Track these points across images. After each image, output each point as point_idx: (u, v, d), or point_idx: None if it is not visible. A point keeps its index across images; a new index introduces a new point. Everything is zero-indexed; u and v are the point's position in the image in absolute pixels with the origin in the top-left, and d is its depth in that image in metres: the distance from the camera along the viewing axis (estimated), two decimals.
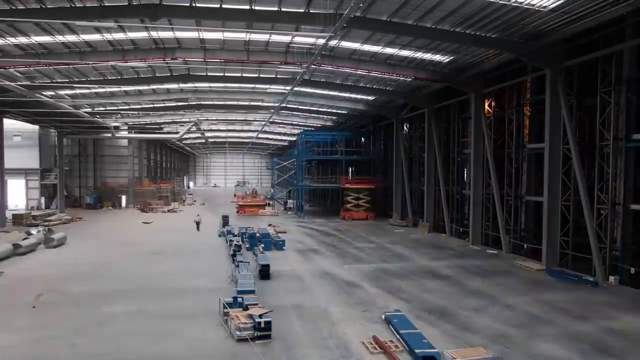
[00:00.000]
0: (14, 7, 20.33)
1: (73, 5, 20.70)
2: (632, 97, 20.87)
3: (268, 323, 13.66)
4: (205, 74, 36.81)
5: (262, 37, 27.19)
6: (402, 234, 37.64)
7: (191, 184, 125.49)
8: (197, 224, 38.54)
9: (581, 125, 25.15)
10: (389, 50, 27.98)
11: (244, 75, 37.31)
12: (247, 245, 29.06)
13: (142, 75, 35.54)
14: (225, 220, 40.16)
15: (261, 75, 37.35)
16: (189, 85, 40.44)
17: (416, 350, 12.18)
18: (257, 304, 15.53)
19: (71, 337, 14.05)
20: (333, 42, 26.21)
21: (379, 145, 53.85)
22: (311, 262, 25.80)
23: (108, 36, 25.86)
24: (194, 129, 60.85)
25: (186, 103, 48.86)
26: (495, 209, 29.86)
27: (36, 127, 52.56)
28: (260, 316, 13.79)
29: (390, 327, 14.56)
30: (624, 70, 20.79)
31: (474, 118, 31.40)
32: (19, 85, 30.17)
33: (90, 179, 63.05)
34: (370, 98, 42.63)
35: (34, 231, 32.50)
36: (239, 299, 15.95)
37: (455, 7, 20.34)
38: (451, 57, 28.07)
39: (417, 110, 40.88)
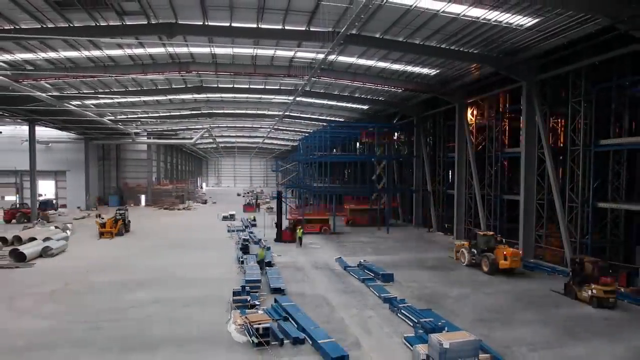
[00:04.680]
0: (45, 26, 20.40)
1: (98, 24, 20.74)
2: (599, 107, 21.02)
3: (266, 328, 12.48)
4: (216, 85, 36.84)
5: (268, 52, 27.22)
6: (393, 229, 37.65)
7: (204, 184, 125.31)
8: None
9: (554, 132, 25.25)
10: (382, 64, 28.03)
11: (251, 86, 37.35)
12: (255, 240, 29.10)
13: (159, 87, 35.60)
14: (232, 216, 41.95)
15: (267, 87, 37.38)
16: (202, 95, 40.44)
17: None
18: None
19: (99, 321, 14.10)
20: (331, 57, 26.28)
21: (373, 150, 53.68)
22: (311, 254, 25.83)
23: (129, 51, 25.90)
24: (206, 135, 60.75)
25: (199, 112, 48.89)
26: (477, 206, 29.91)
27: (64, 133, 52.54)
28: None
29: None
30: (591, 83, 20.93)
31: (458, 125, 31.46)
32: (49, 95, 30.20)
33: (112, 180, 63.03)
34: (364, 107, 42.65)
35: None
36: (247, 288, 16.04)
37: (441, 26, 20.40)
38: (437, 71, 28.12)
39: (407, 118, 40.93)
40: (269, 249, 25.53)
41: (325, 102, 41.77)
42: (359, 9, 15.28)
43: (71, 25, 20.60)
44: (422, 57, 25.48)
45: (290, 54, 27.37)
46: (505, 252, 20.94)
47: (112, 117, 45.60)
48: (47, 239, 26.47)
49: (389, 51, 24.79)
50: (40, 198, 43.23)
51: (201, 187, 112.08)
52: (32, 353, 11.85)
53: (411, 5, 18.33)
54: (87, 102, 37.74)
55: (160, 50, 26.27)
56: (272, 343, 12.18)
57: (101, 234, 31.09)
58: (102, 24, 20.76)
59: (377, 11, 19.14)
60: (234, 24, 21.69)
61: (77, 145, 54.59)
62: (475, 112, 31.67)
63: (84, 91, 33.78)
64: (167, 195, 62.57)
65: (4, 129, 52.09)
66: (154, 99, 39.86)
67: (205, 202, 69.07)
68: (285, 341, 12.43)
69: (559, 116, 24.86)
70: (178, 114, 49.27)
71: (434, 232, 35.32)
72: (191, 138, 61.52)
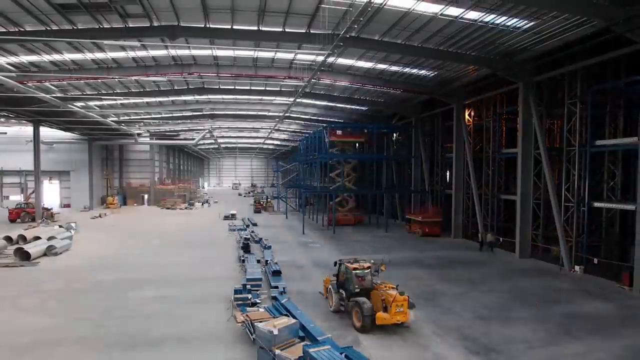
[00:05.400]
0: (49, 28, 20.42)
1: (101, 27, 20.75)
2: (595, 108, 21.06)
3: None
4: (218, 87, 36.86)
5: (269, 54, 27.24)
6: (391, 228, 37.65)
7: (205, 184, 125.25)
8: None
9: (550, 132, 25.27)
10: (381, 66, 28.04)
11: (252, 88, 37.36)
12: (256, 239, 29.09)
13: (162, 88, 35.61)
14: (233, 216, 42.10)
15: (267, 88, 37.39)
16: (204, 97, 40.46)
17: None
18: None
19: (102, 319, 14.11)
20: (331, 59, 26.27)
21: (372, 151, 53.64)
22: (311, 253, 25.82)
23: (132, 54, 25.92)
24: (207, 135, 60.80)
25: (201, 113, 48.92)
26: (474, 206, 29.92)
27: (68, 133, 52.59)
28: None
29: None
30: (587, 84, 20.94)
31: (456, 126, 31.47)
32: (53, 97, 30.21)
33: (116, 180, 63.06)
34: (364, 108, 42.67)
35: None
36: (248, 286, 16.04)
37: (439, 28, 20.41)
38: (435, 72, 28.13)
39: (405, 119, 40.93)
40: (269, 247, 25.57)
41: (325, 103, 41.76)
42: (358, 12, 15.30)
43: (75, 27, 20.61)
44: (420, 59, 25.51)
45: (290, 56, 27.38)
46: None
47: (115, 118, 45.61)
48: (51, 238, 26.48)
49: (388, 53, 24.79)
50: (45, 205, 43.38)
51: (203, 187, 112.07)
52: (36, 350, 11.84)
53: (409, 9, 18.35)
54: (91, 103, 37.72)
55: (162, 52, 26.29)
56: None
57: None
58: (106, 26, 20.78)
59: (376, 14, 19.15)
60: (235, 27, 21.70)
61: (80, 146, 54.64)
62: (472, 113, 31.70)
63: (88, 92, 33.79)
64: (170, 195, 62.60)
65: (9, 130, 52.18)
66: (156, 100, 39.85)
67: (207, 201, 69.13)
68: None
69: (555, 117, 24.89)
70: (180, 115, 49.35)
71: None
72: (193, 139, 61.48)
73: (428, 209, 35.58)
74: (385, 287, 13.98)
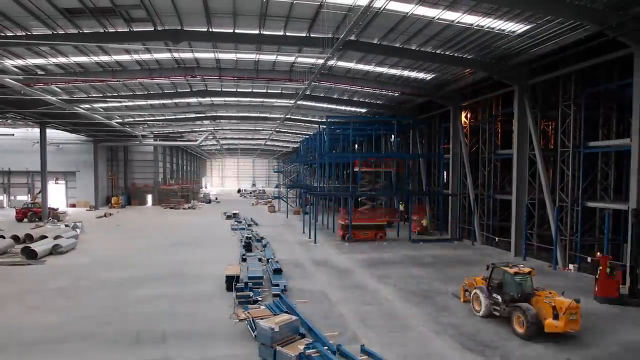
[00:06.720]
0: (55, 32, 20.44)
1: (106, 30, 20.78)
2: (588, 110, 21.06)
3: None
4: (220, 89, 36.85)
5: (270, 57, 27.25)
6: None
7: (208, 185, 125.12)
8: None
9: (544, 134, 25.27)
10: (379, 69, 28.06)
11: (254, 90, 37.36)
12: (258, 238, 29.08)
13: (165, 91, 35.62)
14: (235, 215, 42.27)
15: (269, 91, 37.40)
16: (207, 99, 40.46)
17: None
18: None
19: (106, 316, 14.11)
20: (331, 62, 26.30)
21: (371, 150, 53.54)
22: (310, 251, 25.81)
23: (136, 57, 25.93)
24: (210, 137, 60.85)
25: (204, 115, 48.94)
26: (470, 206, 29.91)
27: (74, 135, 52.58)
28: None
29: None
30: (580, 87, 20.94)
31: (452, 127, 31.47)
32: (59, 99, 30.22)
33: (120, 180, 63.06)
34: (362, 110, 42.67)
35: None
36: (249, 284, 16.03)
37: (436, 32, 20.43)
38: (433, 75, 28.14)
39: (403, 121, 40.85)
40: (265, 245, 25.58)
41: (325, 105, 41.76)
42: (357, 16, 15.32)
43: (81, 31, 20.65)
44: (418, 62, 25.50)
45: (291, 59, 27.40)
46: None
47: (120, 120, 45.64)
48: (57, 237, 26.49)
49: (386, 56, 24.80)
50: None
51: (205, 187, 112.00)
52: (43, 347, 11.84)
53: (407, 13, 18.37)
54: (96, 105, 37.73)
55: (166, 55, 26.31)
56: None
57: None
58: (111, 30, 20.80)
59: (375, 18, 19.16)
60: (237, 30, 21.73)
61: (86, 147, 54.69)
62: (469, 115, 31.68)
63: (93, 95, 33.82)
64: (173, 195, 62.62)
65: (17, 132, 52.21)
66: (160, 102, 39.87)
67: (209, 201, 69.09)
68: None
69: (550, 119, 24.90)
70: (183, 116, 49.40)
71: (430, 231, 35.25)
72: (196, 140, 61.56)
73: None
74: (550, 293, 13.08)
